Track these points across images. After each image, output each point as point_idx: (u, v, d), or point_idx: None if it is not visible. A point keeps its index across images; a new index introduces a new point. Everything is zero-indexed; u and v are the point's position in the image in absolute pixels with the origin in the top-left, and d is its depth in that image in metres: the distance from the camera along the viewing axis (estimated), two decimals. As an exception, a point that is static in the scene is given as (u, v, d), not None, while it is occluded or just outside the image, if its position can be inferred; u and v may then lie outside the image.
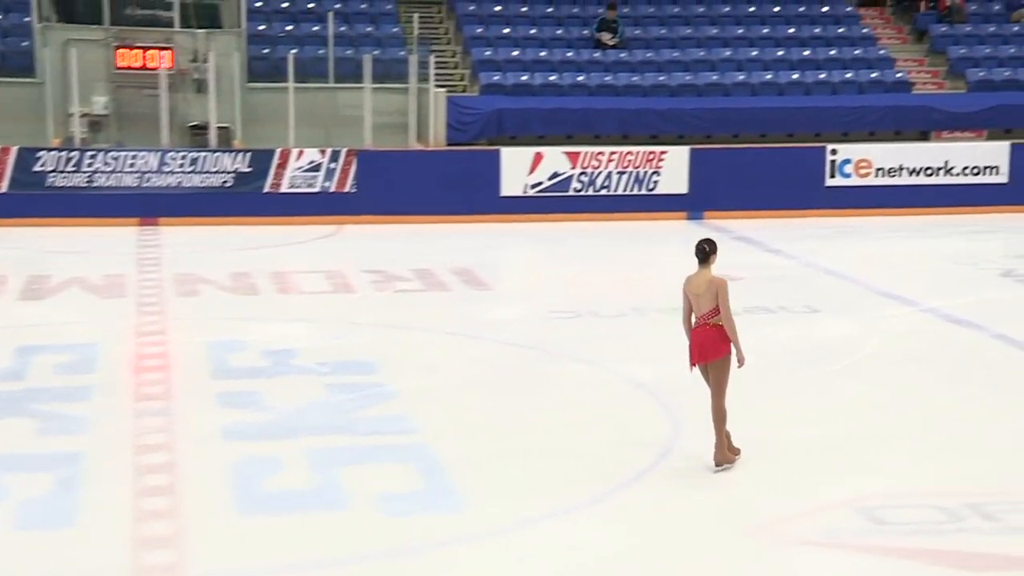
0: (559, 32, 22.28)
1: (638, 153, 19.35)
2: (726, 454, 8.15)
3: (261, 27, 21.04)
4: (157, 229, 18.00)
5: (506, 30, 22.12)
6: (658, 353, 11.11)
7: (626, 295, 13.69)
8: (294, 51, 19.91)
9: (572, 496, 7.71)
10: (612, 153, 19.28)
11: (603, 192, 19.27)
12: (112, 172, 18.07)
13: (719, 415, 8.10)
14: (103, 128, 19.59)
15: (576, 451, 8.53)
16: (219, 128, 19.12)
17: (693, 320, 8.14)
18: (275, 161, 18.50)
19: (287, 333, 11.85)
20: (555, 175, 19.16)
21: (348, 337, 11.72)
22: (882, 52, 22.42)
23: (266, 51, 20.52)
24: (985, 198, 19.86)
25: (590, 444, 8.67)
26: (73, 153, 18.05)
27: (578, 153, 19.23)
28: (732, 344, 7.97)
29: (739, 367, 8.05)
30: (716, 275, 8.05)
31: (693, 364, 8.16)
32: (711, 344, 7.99)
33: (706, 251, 8.11)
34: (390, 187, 18.84)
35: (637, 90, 21.04)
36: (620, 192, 19.29)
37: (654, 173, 19.34)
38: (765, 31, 22.71)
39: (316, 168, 18.59)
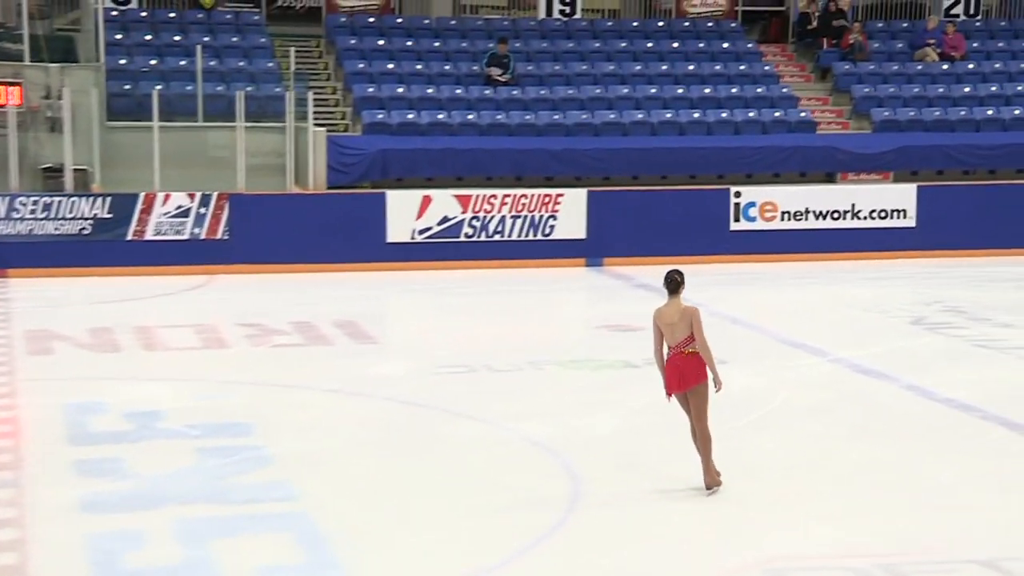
0: (447, 68, 22.50)
1: (533, 196, 19.56)
2: (715, 478, 8.91)
3: (122, 61, 20.82)
4: (6, 282, 17.58)
5: (390, 65, 22.26)
6: (557, 410, 11.19)
7: (522, 348, 13.78)
8: (159, 87, 19.74)
9: (468, 565, 7.71)
10: (505, 196, 19.45)
11: (496, 238, 19.41)
12: (-46, 219, 17.64)
13: (705, 440, 8.91)
14: (-55, 171, 19.14)
15: (471, 516, 8.54)
16: (76, 170, 18.82)
17: (665, 350, 8.93)
18: (139, 206, 18.26)
19: (153, 393, 11.65)
20: (445, 220, 19.25)
21: (221, 397, 11.57)
22: (785, 90, 23.12)
23: (127, 87, 20.30)
24: (893, 242, 20.51)
25: (486, 508, 8.68)
26: (-90, 198, 17.59)
27: (469, 196, 19.36)
28: (709, 369, 8.82)
29: (716, 391, 8.87)
30: (687, 304, 8.92)
31: (671, 392, 8.97)
32: (690, 371, 8.82)
33: (677, 281, 8.99)
34: (266, 234, 18.72)
35: (531, 129, 21.30)
36: (514, 238, 19.45)
37: (550, 217, 19.55)
38: (664, 67, 23.24)
39: (184, 213, 18.39)
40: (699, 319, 8.83)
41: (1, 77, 19.30)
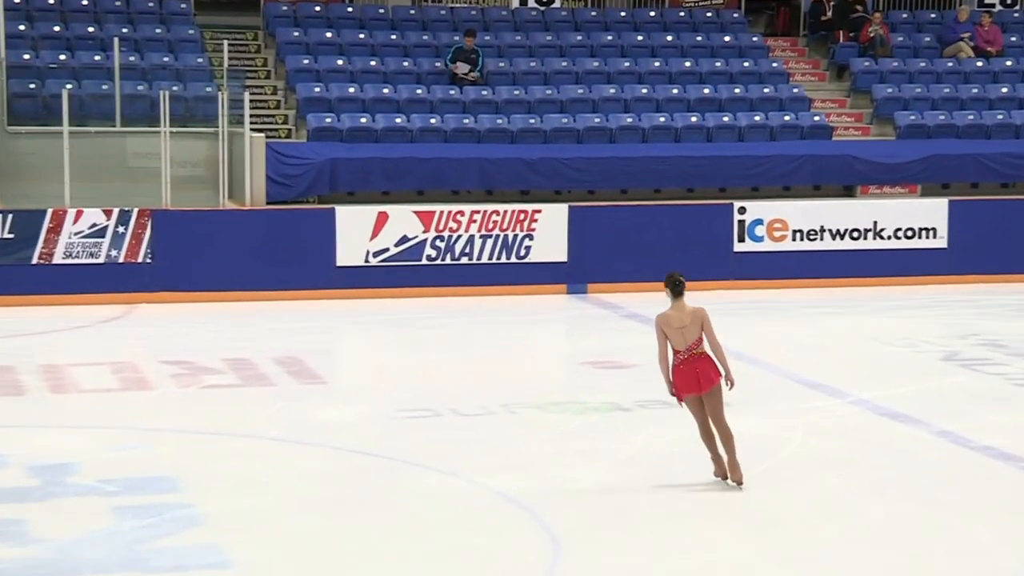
0: (406, 64, 22.59)
1: (505, 212, 19.61)
2: (741, 472, 10.24)
3: (25, 56, 20.79)
4: None
5: (339, 61, 22.32)
6: (533, 460, 11.21)
7: (493, 389, 13.79)
8: (69, 86, 19.72)
9: (430, 641, 7.70)
10: (474, 212, 19.50)
11: (463, 261, 19.45)
12: None
13: (729, 436, 10.24)
14: None
15: (434, 585, 8.54)
16: (-28, 183, 18.78)
17: (671, 355, 10.19)
18: (46, 224, 18.22)
19: (62, 443, 11.60)
20: (404, 240, 19.28)
21: (142, 447, 11.53)
22: (796, 91, 23.31)
23: (32, 86, 20.27)
24: (921, 266, 20.66)
25: None
26: None
27: (432, 212, 19.41)
28: (722, 367, 10.15)
29: (730, 389, 10.19)
30: (693, 305, 10.25)
31: (686, 395, 10.19)
32: (706, 372, 10.15)
33: (683, 283, 10.25)
34: (195, 256, 18.70)
35: (503, 135, 21.39)
36: (484, 260, 19.49)
37: (526, 237, 19.61)
38: (656, 65, 23.40)
39: (100, 233, 18.37)
40: (709, 319, 10.20)
41: None
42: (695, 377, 10.17)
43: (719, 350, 10.18)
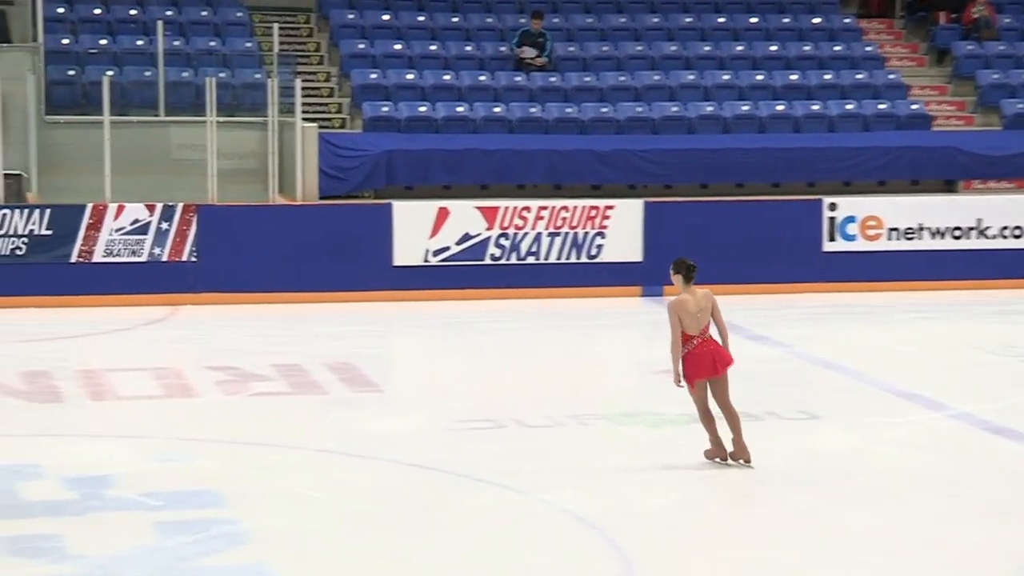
0: (468, 48, 22.65)
1: (575, 209, 19.62)
2: (749, 451, 11.14)
3: (64, 40, 21.07)
4: (-80, 314, 17.80)
5: (397, 46, 22.43)
6: (603, 476, 11.20)
7: (561, 399, 13.79)
8: (110, 72, 19.96)
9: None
10: (541, 208, 19.52)
11: (529, 261, 19.47)
12: None
13: (737, 418, 11.12)
14: None
15: (496, 609, 8.57)
16: (6, 176, 19.04)
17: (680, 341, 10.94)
18: (85, 220, 18.44)
19: (101, 454, 11.74)
20: (465, 238, 19.34)
21: (186, 459, 11.65)
22: (892, 77, 23.14)
23: (71, 72, 20.53)
24: (1029, 267, 20.46)
25: (515, 599, 8.72)
26: None
27: (496, 209, 19.44)
28: (726, 347, 11.13)
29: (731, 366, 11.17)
30: (700, 288, 11.09)
31: (703, 378, 10.97)
32: (723, 355, 11.04)
33: (696, 267, 11.12)
34: (243, 255, 18.86)
35: (573, 125, 21.39)
36: (552, 260, 19.50)
37: (597, 235, 19.60)
38: (740, 49, 23.31)
39: (142, 229, 18.56)
40: (717, 302, 11.14)
41: (-85, 61, 19.58)
42: (711, 361, 10.96)
43: (726, 333, 11.14)
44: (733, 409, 11.13)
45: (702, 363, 10.98)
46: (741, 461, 11.20)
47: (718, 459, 11.26)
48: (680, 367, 10.98)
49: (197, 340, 16.90)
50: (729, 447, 11.22)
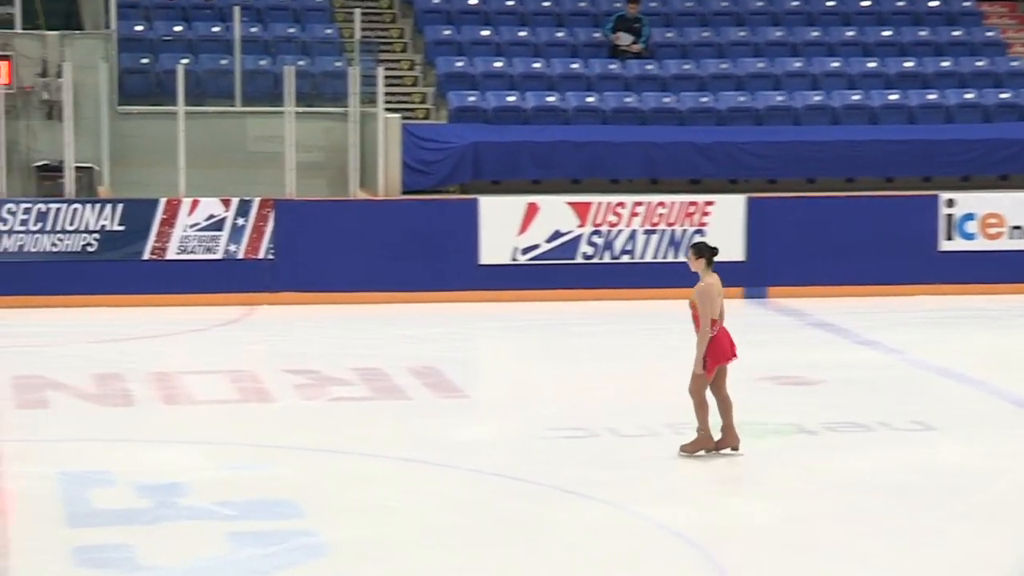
0: (560, 35, 22.64)
1: (673, 204, 19.55)
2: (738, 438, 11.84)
3: (138, 28, 21.33)
4: (-12, 312, 18.09)
5: (485, 32, 22.47)
6: (703, 489, 11.15)
7: (657, 407, 13.74)
8: (185, 61, 20.16)
9: None
10: (636, 204, 19.47)
11: (624, 259, 19.43)
12: (-75, 231, 18.21)
13: (729, 403, 11.83)
14: (-86, 170, 19.77)
15: (587, 629, 8.55)
16: (78, 169, 19.28)
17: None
18: (158, 216, 18.64)
19: (174, 461, 11.86)
20: (556, 235, 19.33)
21: (262, 466, 11.73)
22: (1015, 64, 22.82)
23: (145, 61, 20.77)
24: None
25: (607, 619, 8.69)
26: None
27: (588, 204, 19.42)
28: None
29: None
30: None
31: (723, 364, 11.69)
32: (733, 341, 11.75)
33: (717, 251, 11.86)
34: (322, 252, 18.98)
35: (671, 116, 21.31)
36: (648, 259, 19.45)
37: (696, 232, 19.51)
38: (850, 34, 23.11)
39: (217, 225, 18.72)
40: None
41: (-15, 50, 19.90)
42: (730, 345, 11.74)
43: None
44: (727, 395, 11.81)
45: (724, 348, 11.65)
46: (730, 449, 11.78)
47: (703, 451, 11.74)
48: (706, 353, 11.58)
49: (274, 342, 17.03)
50: (716, 435, 11.78)
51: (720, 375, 11.82)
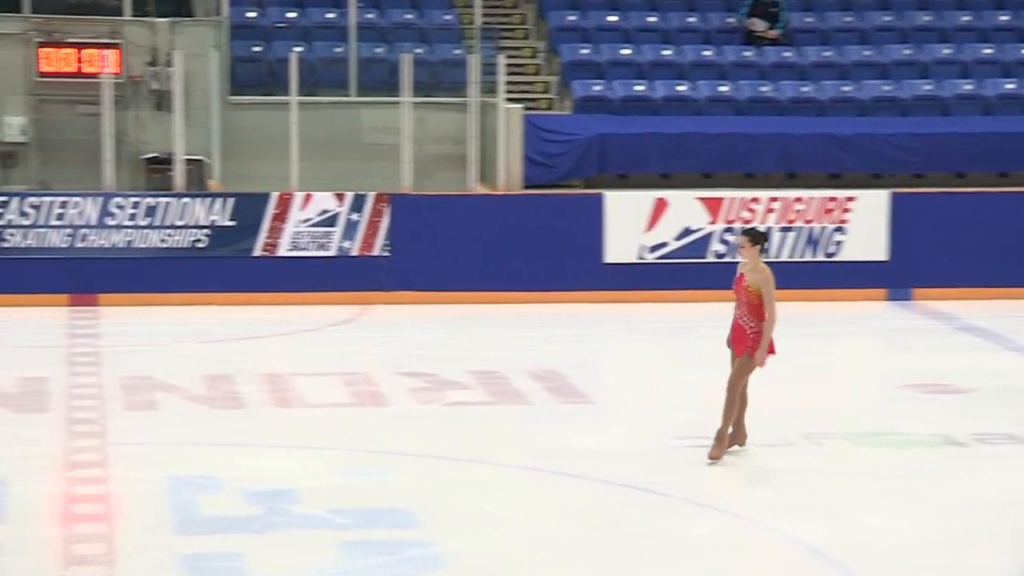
0: (691, 20, 22.56)
1: (811, 200, 19.41)
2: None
3: (250, 14, 21.57)
4: (96, 310, 18.40)
5: (612, 18, 22.44)
6: (842, 503, 11.06)
7: (793, 415, 13.67)
8: (298, 48, 20.35)
9: None
10: (772, 200, 19.36)
11: (758, 258, 19.30)
12: (32, 227, 18.55)
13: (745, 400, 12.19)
14: (18, 162, 20.15)
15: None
16: (188, 162, 19.55)
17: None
18: (270, 210, 18.84)
19: (285, 467, 12.00)
20: (686, 232, 19.28)
21: (376, 473, 11.84)
22: None
23: (257, 49, 21.00)
24: None
25: (739, 639, 8.66)
26: (-24, 198, 18.59)
27: (720, 200, 19.35)
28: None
29: None
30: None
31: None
32: None
33: (767, 238, 12.68)
34: (440, 249, 19.08)
35: (809, 106, 21.16)
36: (784, 258, 19.32)
37: (836, 230, 19.36)
38: (1004, 19, 22.77)
39: (331, 221, 18.89)
40: None
41: (94, 37, 20.25)
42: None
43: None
44: (746, 392, 12.19)
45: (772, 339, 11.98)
46: (737, 445, 12.16)
47: (736, 446, 12.09)
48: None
49: (389, 343, 17.15)
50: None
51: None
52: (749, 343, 11.86)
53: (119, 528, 10.40)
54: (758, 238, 12.06)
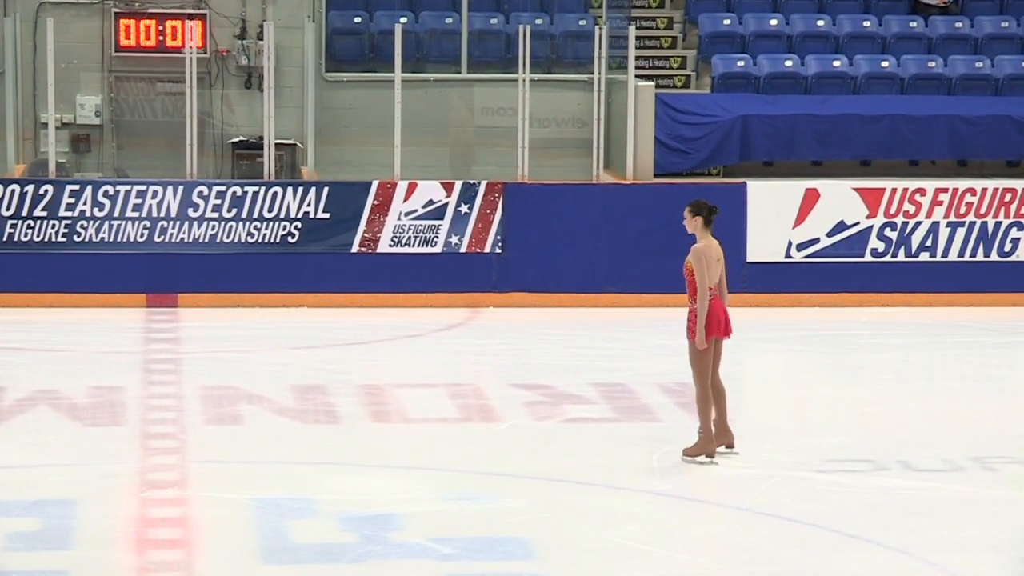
0: (848, -13, 22.39)
1: (985, 191, 19.20)
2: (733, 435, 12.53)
3: (350, -19, 21.66)
4: (175, 312, 18.61)
5: (758, -17, 22.32)
6: (1014, 536, 10.92)
7: (961, 436, 13.53)
8: (404, 20, 20.41)
9: None
10: (939, 191, 19.17)
11: (923, 257, 19.14)
12: (106, 219, 18.77)
13: (723, 392, 12.48)
14: (94, 147, 20.39)
15: None
16: (279, 147, 19.69)
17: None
18: (369, 201, 18.93)
19: (384, 489, 12.04)
20: (840, 227, 19.13)
21: (486, 497, 11.85)
22: None
23: (358, 20, 21.09)
24: None
25: None
26: (45, 188, 18.80)
27: (880, 191, 19.19)
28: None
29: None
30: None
31: (719, 336, 12.28)
32: (728, 315, 12.35)
33: (716, 210, 12.45)
34: (559, 245, 19.07)
35: (984, 84, 20.92)
36: (953, 258, 19.12)
37: (1013, 226, 19.15)
38: None
39: (437, 213, 18.94)
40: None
41: (177, 7, 20.44)
42: (725, 318, 12.30)
43: (727, 294, 12.50)
44: (721, 382, 12.45)
45: (719, 318, 12.24)
46: (724, 446, 12.48)
47: (704, 456, 12.35)
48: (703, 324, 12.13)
49: (501, 351, 17.16)
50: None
51: (719, 353, 12.40)
52: (690, 325, 12.28)
53: (199, 556, 10.49)
54: (697, 209, 12.40)
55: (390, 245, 18.92)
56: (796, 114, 20.14)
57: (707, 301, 12.16)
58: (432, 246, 18.94)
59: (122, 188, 18.80)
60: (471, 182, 18.98)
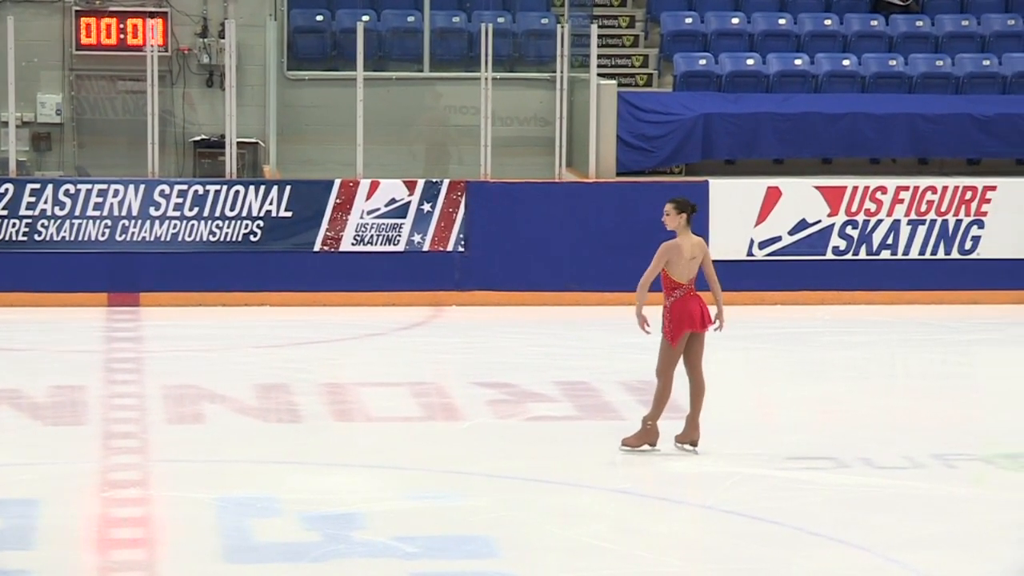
0: (809, -15, 22.44)
1: (946, 189, 19.26)
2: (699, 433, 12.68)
3: (312, -22, 21.64)
4: (137, 311, 18.55)
5: (720, -18, 22.35)
6: (978, 533, 10.97)
7: (923, 433, 13.57)
8: (366, 18, 20.39)
9: None
10: (901, 189, 19.23)
11: (884, 256, 19.20)
12: (67, 217, 18.72)
13: (702, 389, 12.67)
14: (55, 145, 20.33)
15: None
16: (241, 145, 19.67)
17: (646, 289, 12.39)
18: (332, 200, 18.91)
19: (348, 487, 12.03)
20: (802, 226, 19.17)
21: (449, 496, 11.85)
22: None
23: (319, 19, 21.06)
24: None
25: None
26: (5, 187, 18.74)
27: (841, 189, 19.24)
28: (719, 305, 12.59)
29: (720, 329, 12.73)
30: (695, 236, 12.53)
31: (686, 332, 12.32)
32: (707, 310, 12.44)
33: (697, 209, 12.50)
34: (521, 244, 19.08)
35: (943, 82, 20.98)
36: (914, 256, 19.18)
37: (974, 223, 19.20)
38: None
39: (400, 212, 18.93)
40: (708, 252, 12.65)
41: (136, 5, 20.38)
42: (700, 312, 12.39)
43: (719, 288, 12.58)
44: (702, 377, 12.60)
45: (691, 313, 12.36)
46: (687, 445, 12.63)
47: (646, 445, 12.60)
48: (643, 308, 12.34)
49: (464, 349, 17.16)
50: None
51: (694, 350, 12.53)
52: (664, 322, 12.48)
53: (161, 555, 10.47)
54: (683, 206, 12.47)
55: (352, 244, 18.90)
56: (758, 112, 20.19)
57: (646, 292, 12.38)
58: (395, 245, 18.93)
59: (83, 187, 18.76)
60: (434, 180, 18.98)
